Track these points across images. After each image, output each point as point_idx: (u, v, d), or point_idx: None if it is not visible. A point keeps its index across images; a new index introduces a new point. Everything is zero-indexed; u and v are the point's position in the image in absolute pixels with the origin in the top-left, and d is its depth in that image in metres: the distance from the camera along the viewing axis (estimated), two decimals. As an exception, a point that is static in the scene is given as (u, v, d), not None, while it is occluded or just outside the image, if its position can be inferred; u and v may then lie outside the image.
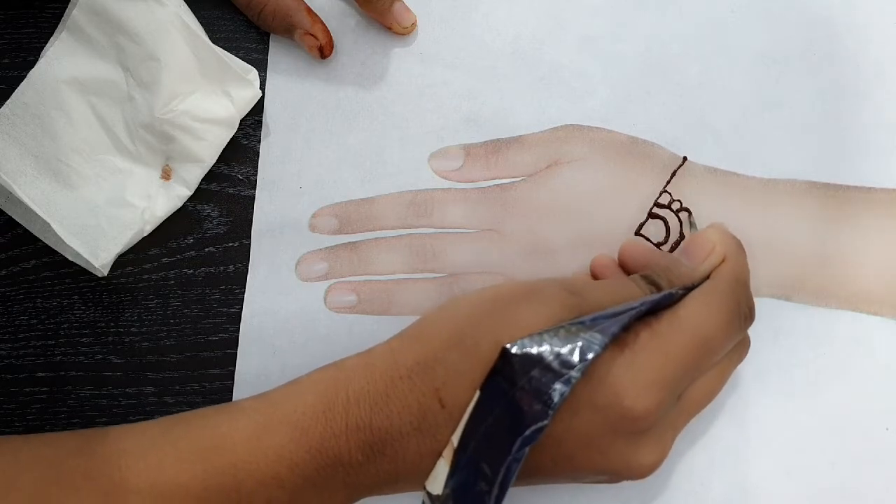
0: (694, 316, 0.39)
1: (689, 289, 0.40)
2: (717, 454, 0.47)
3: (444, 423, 0.37)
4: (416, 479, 0.38)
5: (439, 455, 0.37)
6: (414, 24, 0.52)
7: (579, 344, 0.36)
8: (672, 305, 0.39)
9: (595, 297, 0.39)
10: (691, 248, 0.42)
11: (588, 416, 0.37)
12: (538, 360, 0.35)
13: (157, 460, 0.37)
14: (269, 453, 0.37)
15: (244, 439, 0.38)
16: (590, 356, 0.35)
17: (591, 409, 0.37)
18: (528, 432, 0.35)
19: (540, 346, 0.36)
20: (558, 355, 0.35)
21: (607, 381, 0.37)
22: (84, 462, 0.37)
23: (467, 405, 0.37)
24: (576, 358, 0.35)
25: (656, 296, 0.39)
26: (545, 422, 0.35)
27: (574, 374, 0.35)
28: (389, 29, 0.52)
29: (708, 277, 0.41)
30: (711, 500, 0.47)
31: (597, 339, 0.36)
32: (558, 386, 0.35)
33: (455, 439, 0.36)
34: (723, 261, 0.41)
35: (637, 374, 0.37)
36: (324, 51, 0.51)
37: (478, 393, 0.36)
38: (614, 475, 0.39)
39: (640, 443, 0.38)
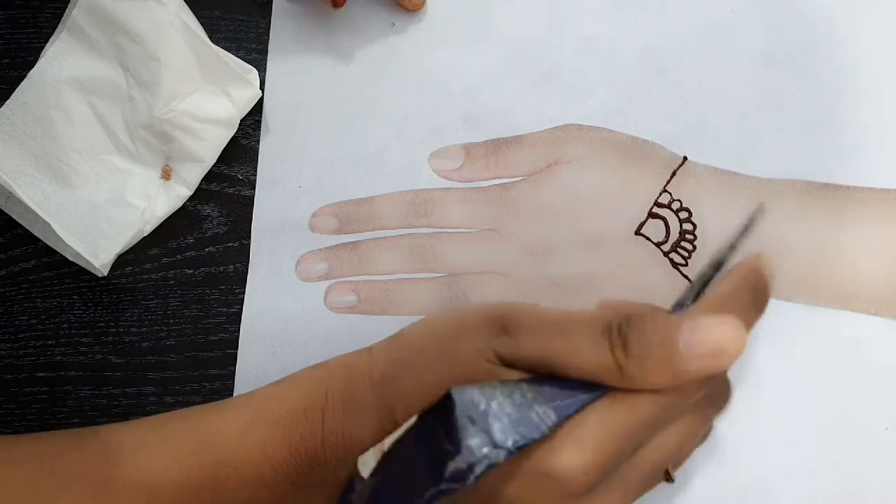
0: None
1: None
2: (717, 455, 0.47)
3: None
4: None
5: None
6: (424, 1, 0.52)
7: (530, 417, 0.32)
8: None
9: (532, 342, 0.33)
10: (699, 333, 0.31)
11: (522, 479, 0.33)
12: (481, 419, 0.32)
13: (147, 456, 0.38)
14: (254, 451, 0.37)
15: (231, 436, 0.38)
16: (534, 437, 0.32)
17: (519, 473, 0.33)
18: (443, 486, 0.32)
19: (489, 403, 0.32)
20: (502, 424, 0.32)
21: (542, 445, 0.32)
22: (76, 458, 0.38)
23: None
24: (520, 433, 0.32)
25: None
26: (463, 485, 0.32)
27: (511, 449, 0.32)
28: (400, 6, 0.52)
29: None
30: (711, 499, 0.47)
31: (549, 418, 0.32)
32: (491, 454, 0.32)
33: (387, 443, 0.35)
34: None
35: (576, 430, 0.32)
36: (336, 1, 0.51)
37: (414, 418, 0.34)
38: None
39: None
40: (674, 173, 0.50)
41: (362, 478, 0.36)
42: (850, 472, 0.47)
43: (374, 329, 0.50)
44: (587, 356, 0.32)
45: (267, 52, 0.53)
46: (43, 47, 0.51)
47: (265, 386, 0.40)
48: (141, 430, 0.39)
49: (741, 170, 0.50)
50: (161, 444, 0.38)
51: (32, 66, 0.50)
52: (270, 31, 0.53)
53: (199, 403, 0.48)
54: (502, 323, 0.34)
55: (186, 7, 0.50)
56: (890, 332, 0.48)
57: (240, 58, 0.51)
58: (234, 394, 0.49)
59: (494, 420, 0.32)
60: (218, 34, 0.53)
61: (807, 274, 0.48)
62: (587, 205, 0.50)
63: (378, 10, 0.53)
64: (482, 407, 0.32)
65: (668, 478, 0.37)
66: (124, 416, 0.49)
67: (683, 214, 0.49)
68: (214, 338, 0.50)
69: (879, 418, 0.47)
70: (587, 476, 0.32)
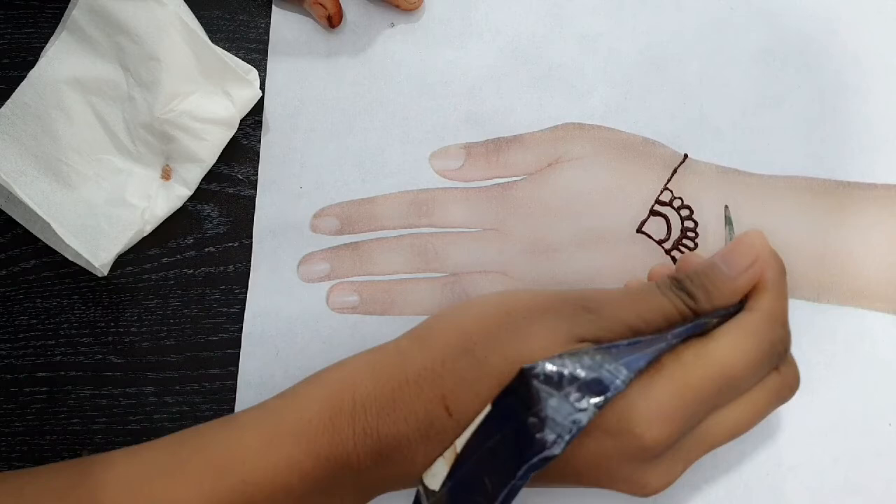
0: (722, 352, 0.36)
1: (723, 317, 0.38)
2: (720, 451, 0.47)
3: (451, 430, 0.36)
4: None
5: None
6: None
7: (603, 376, 0.34)
8: (703, 334, 0.37)
9: (612, 313, 0.37)
10: (733, 255, 0.38)
11: (598, 439, 0.35)
12: (557, 387, 0.34)
13: (165, 484, 0.37)
14: (279, 465, 0.37)
15: (252, 454, 0.37)
16: (611, 393, 0.34)
17: (601, 432, 0.35)
18: (535, 460, 0.34)
19: (561, 372, 0.34)
20: (579, 387, 0.34)
21: (622, 405, 0.35)
22: (88, 493, 0.37)
23: (474, 413, 0.36)
24: (597, 392, 0.34)
25: (687, 327, 0.37)
26: (556, 453, 0.34)
27: (592, 408, 0.34)
28: (397, 7, 0.52)
29: (743, 304, 0.38)
30: (714, 496, 0.47)
31: (621, 373, 0.34)
32: (574, 418, 0.34)
33: (459, 444, 0.36)
34: (762, 289, 0.38)
35: (652, 401, 0.35)
36: (332, 20, 0.51)
37: (489, 407, 0.35)
38: (619, 491, 0.37)
39: (647, 469, 0.36)
40: (674, 171, 0.50)
41: (432, 491, 0.36)
42: (852, 469, 0.47)
43: (377, 329, 0.49)
44: (666, 307, 0.37)
45: (267, 52, 0.53)
46: (43, 47, 0.51)
47: (278, 396, 0.39)
48: (155, 457, 0.38)
49: (742, 167, 0.50)
50: (179, 471, 0.37)
51: (32, 66, 0.50)
52: (270, 31, 0.53)
53: (199, 403, 0.49)
54: (584, 304, 0.37)
55: (186, 7, 0.50)
56: (891, 328, 0.48)
57: (240, 58, 0.51)
58: (238, 396, 0.49)
59: (570, 386, 0.34)
60: (218, 34, 0.53)
61: (809, 270, 0.48)
62: (588, 203, 0.50)
63: (377, 10, 0.53)
64: (556, 377, 0.34)
65: None
66: (124, 415, 0.49)
67: (685, 212, 0.49)
68: (214, 338, 0.50)
69: (882, 414, 0.47)
70: (666, 437, 0.35)
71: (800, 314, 0.48)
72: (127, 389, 0.49)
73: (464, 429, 0.36)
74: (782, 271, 0.39)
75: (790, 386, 0.40)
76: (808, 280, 0.48)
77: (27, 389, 0.50)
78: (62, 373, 0.50)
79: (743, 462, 0.47)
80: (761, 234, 0.38)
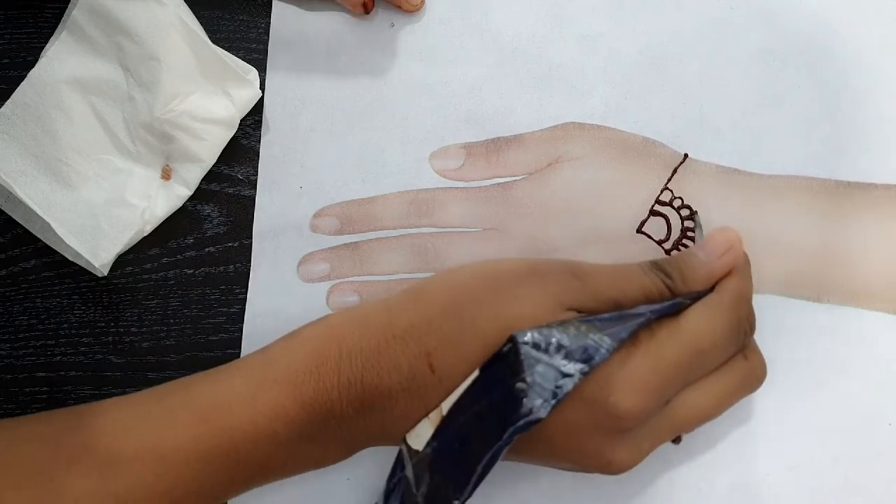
0: (693, 327, 0.39)
1: (695, 299, 0.40)
2: (721, 451, 0.47)
3: (432, 386, 0.38)
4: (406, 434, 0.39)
5: (426, 415, 0.38)
6: (422, 2, 0.52)
7: (588, 345, 0.36)
8: (677, 314, 0.39)
9: (598, 283, 0.39)
10: (710, 244, 0.41)
11: (574, 407, 0.37)
12: (545, 354, 0.36)
13: (155, 427, 0.38)
14: (265, 411, 0.38)
15: (239, 400, 0.38)
16: (596, 361, 0.36)
17: (579, 401, 0.37)
18: (521, 423, 0.36)
19: (549, 340, 0.36)
20: (566, 354, 0.36)
21: (599, 375, 0.37)
22: (81, 435, 0.38)
23: (457, 373, 0.37)
24: (582, 360, 0.36)
25: (665, 304, 0.39)
26: (541, 416, 0.35)
27: (578, 375, 0.36)
28: (399, 7, 0.52)
29: (713, 289, 0.41)
30: (714, 496, 0.47)
31: (605, 343, 0.36)
32: (560, 383, 0.36)
33: (445, 407, 0.37)
34: (730, 273, 0.41)
35: (628, 373, 0.37)
36: (367, 6, 0.51)
37: (476, 372, 0.37)
38: (586, 467, 0.39)
39: (616, 442, 0.38)
40: (675, 171, 0.50)
41: (415, 451, 0.38)
42: (852, 469, 0.47)
43: (376, 328, 0.49)
44: (647, 286, 0.39)
45: (267, 52, 0.53)
46: (43, 47, 0.51)
47: (269, 345, 0.41)
48: (146, 402, 0.40)
49: (742, 167, 0.50)
50: (168, 415, 0.38)
51: (32, 66, 0.50)
52: (270, 31, 0.53)
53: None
54: (571, 270, 0.39)
55: (186, 7, 0.50)
56: (892, 328, 0.48)
57: (240, 58, 0.51)
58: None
59: (557, 354, 0.36)
60: (218, 34, 0.53)
61: (808, 270, 0.48)
62: (588, 203, 0.50)
63: (377, 10, 0.53)
64: (544, 345, 0.36)
65: (676, 439, 0.42)
66: (125, 416, 0.49)
67: (685, 212, 0.49)
68: (214, 338, 0.50)
69: (882, 414, 0.47)
70: (639, 408, 0.37)
71: (800, 314, 0.48)
72: (127, 389, 0.49)
73: (445, 387, 0.37)
74: (748, 261, 0.42)
75: (757, 374, 0.42)
76: (808, 280, 0.48)
77: (27, 389, 0.50)
78: (62, 373, 0.50)
79: (743, 462, 0.47)
80: (735, 230, 0.42)
